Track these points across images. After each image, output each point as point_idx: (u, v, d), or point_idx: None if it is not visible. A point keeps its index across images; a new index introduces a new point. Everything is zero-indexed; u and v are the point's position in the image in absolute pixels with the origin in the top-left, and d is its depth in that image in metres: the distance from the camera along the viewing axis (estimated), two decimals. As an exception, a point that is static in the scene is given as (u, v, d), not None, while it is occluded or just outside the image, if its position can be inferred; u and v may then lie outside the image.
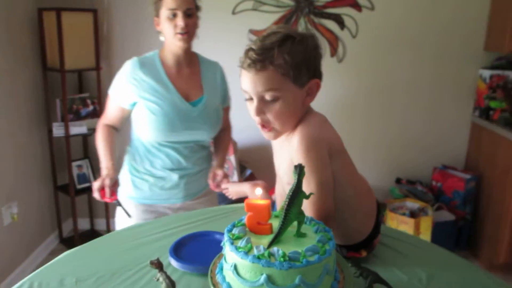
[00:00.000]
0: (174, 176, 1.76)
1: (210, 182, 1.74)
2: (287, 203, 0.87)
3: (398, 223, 2.78)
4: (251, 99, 1.08)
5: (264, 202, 0.89)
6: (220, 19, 2.95)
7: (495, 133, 2.81)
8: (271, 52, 1.01)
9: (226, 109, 1.94)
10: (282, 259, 0.79)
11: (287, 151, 1.10)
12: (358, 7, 2.94)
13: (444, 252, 1.27)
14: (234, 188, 1.66)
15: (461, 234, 3.01)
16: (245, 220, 0.92)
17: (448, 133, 3.17)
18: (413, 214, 2.80)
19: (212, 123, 1.79)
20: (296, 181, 0.89)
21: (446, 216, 2.90)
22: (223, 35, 2.98)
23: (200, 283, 1.08)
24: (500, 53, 2.93)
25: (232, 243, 0.85)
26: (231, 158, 2.78)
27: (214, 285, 0.87)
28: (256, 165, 3.12)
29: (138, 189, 1.77)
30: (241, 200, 1.25)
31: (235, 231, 0.90)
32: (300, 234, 0.90)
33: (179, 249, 1.23)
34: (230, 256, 0.83)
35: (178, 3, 1.59)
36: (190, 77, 1.76)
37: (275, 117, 1.06)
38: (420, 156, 3.24)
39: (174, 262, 1.15)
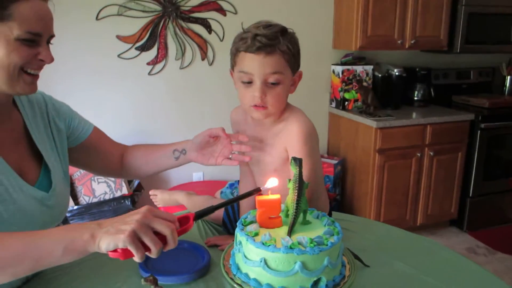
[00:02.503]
0: None
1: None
2: (296, 194, 0.93)
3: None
4: (249, 82, 1.15)
5: (275, 197, 0.94)
6: (83, 25, 2.78)
7: (352, 120, 3.24)
8: (278, 39, 1.12)
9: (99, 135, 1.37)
10: (311, 245, 0.86)
11: (280, 140, 1.20)
12: (222, 11, 3.08)
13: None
14: (164, 196, 1.64)
15: (332, 214, 3.38)
16: (253, 217, 0.96)
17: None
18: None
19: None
20: (297, 173, 0.96)
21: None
22: (88, 41, 2.82)
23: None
24: (346, 50, 3.38)
25: (254, 241, 0.88)
26: (117, 171, 2.66)
27: (239, 285, 0.89)
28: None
29: None
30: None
31: (249, 228, 0.93)
32: (305, 222, 0.97)
33: (147, 264, 1.18)
34: (256, 252, 0.87)
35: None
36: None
37: (274, 99, 1.16)
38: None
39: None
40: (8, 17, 0.94)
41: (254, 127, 1.28)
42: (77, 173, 2.71)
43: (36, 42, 0.99)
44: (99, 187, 2.71)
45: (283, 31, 1.15)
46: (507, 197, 3.54)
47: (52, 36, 1.05)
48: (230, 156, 1.26)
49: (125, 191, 2.68)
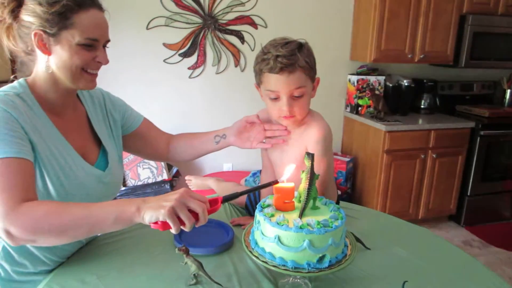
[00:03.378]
0: None
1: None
2: (308, 183, 0.96)
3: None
4: (276, 98, 1.17)
5: (290, 185, 0.97)
6: (136, 34, 2.87)
7: (364, 124, 3.23)
8: (296, 56, 1.12)
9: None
10: (318, 226, 0.89)
11: (302, 140, 1.23)
12: (254, 25, 3.12)
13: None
14: (197, 181, 1.69)
15: (343, 205, 3.39)
16: (271, 201, 1.00)
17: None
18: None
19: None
20: (310, 166, 0.99)
21: (333, 192, 3.24)
22: (139, 47, 2.90)
23: (214, 260, 1.13)
24: (362, 62, 3.36)
25: (270, 221, 0.92)
26: (159, 159, 2.74)
27: (256, 257, 0.93)
28: (180, 163, 3.11)
29: None
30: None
31: (267, 210, 0.97)
32: (315, 207, 1.00)
33: (181, 237, 1.23)
34: (272, 230, 0.90)
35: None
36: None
37: (301, 109, 1.19)
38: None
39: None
40: (70, 26, 0.99)
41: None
42: (126, 159, 2.80)
43: (94, 47, 1.04)
44: (143, 172, 2.79)
45: (300, 47, 1.15)
46: (502, 197, 3.46)
47: (108, 41, 1.09)
48: (264, 140, 1.29)
49: (165, 176, 2.75)
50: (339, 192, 3.24)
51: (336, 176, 3.30)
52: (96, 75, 1.09)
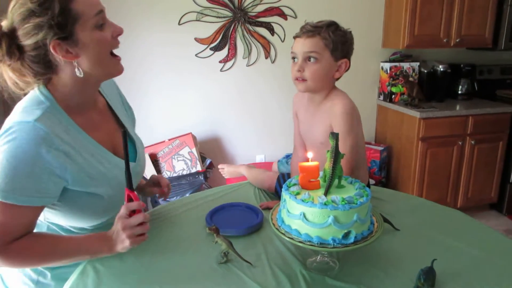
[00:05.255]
0: None
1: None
2: (332, 162, 0.98)
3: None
4: (294, 59, 1.30)
5: (314, 164, 0.99)
6: (169, 29, 2.94)
7: (398, 111, 3.17)
8: (321, 28, 1.25)
9: None
10: (343, 202, 0.90)
11: (326, 116, 1.29)
12: (284, 16, 3.12)
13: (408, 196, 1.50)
14: (230, 169, 1.73)
15: (378, 195, 3.34)
16: (296, 180, 1.02)
17: (360, 115, 3.48)
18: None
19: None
20: (334, 145, 1.00)
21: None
22: (172, 42, 2.98)
23: (244, 241, 1.16)
24: (395, 49, 3.29)
25: (296, 198, 0.94)
26: (193, 151, 2.81)
27: (283, 234, 0.95)
28: (213, 155, 3.18)
29: None
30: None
31: (292, 189, 0.99)
32: (340, 186, 1.01)
33: (212, 218, 1.28)
34: (297, 207, 0.92)
35: None
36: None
37: (311, 74, 1.28)
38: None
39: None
40: (77, 16, 0.92)
41: (307, 105, 1.39)
42: (161, 152, 2.89)
43: (104, 22, 0.98)
44: (178, 164, 2.87)
45: (330, 24, 1.27)
46: (547, 185, 3.30)
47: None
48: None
49: (199, 168, 2.82)
50: (373, 182, 3.20)
51: (370, 166, 3.26)
52: (120, 58, 1.06)
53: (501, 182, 3.22)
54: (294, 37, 1.31)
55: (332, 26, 1.28)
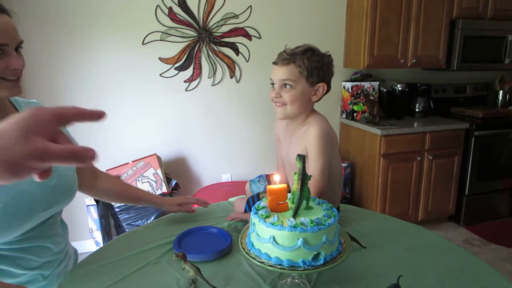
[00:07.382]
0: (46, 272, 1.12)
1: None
2: (300, 184, 0.98)
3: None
4: (273, 85, 1.34)
5: (282, 186, 0.99)
6: (132, 49, 2.91)
7: (360, 129, 3.25)
8: (296, 55, 1.27)
9: None
10: (312, 224, 0.91)
11: (302, 140, 1.30)
12: (249, 36, 3.16)
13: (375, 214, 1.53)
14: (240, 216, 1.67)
15: (343, 210, 3.39)
16: (264, 204, 1.02)
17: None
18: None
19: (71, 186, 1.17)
20: (301, 167, 1.01)
21: (333, 197, 3.25)
22: (135, 62, 2.94)
23: (213, 266, 1.14)
24: (356, 69, 3.40)
25: (265, 221, 0.93)
26: (158, 172, 2.75)
27: (253, 258, 0.94)
28: (178, 175, 3.13)
29: None
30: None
31: (261, 212, 0.98)
32: (308, 207, 1.02)
33: (180, 244, 1.25)
34: (267, 231, 0.92)
35: None
36: None
37: (288, 100, 1.31)
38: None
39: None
40: None
41: (286, 128, 1.43)
42: (125, 174, 2.82)
43: (4, 52, 0.94)
44: (143, 186, 2.80)
45: (306, 51, 1.28)
46: (499, 196, 3.47)
47: (21, 42, 0.99)
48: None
49: (164, 189, 2.76)
50: (339, 198, 3.24)
51: (335, 182, 3.31)
52: (18, 80, 0.98)
53: (458, 194, 3.36)
54: (273, 63, 1.35)
55: (307, 53, 1.29)
